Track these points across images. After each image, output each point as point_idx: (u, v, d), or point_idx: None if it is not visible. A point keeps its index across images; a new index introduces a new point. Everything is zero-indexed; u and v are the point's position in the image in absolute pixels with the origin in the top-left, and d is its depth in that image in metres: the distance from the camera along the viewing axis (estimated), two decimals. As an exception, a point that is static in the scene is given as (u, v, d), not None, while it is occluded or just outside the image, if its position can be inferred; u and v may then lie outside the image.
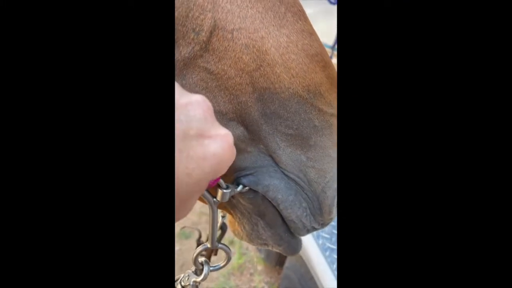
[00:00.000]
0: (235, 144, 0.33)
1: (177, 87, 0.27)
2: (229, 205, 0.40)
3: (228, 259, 0.43)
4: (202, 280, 0.42)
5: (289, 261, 1.70)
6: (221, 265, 0.44)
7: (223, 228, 0.46)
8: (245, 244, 2.64)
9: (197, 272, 0.43)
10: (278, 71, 0.33)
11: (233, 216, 0.43)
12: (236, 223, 0.42)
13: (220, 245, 0.42)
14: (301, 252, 1.40)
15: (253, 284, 2.30)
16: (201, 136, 0.26)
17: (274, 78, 0.33)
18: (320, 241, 1.25)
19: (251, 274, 2.38)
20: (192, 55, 0.32)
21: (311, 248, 1.27)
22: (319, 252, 1.23)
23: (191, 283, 0.42)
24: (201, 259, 0.42)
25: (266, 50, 0.32)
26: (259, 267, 2.43)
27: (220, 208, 0.42)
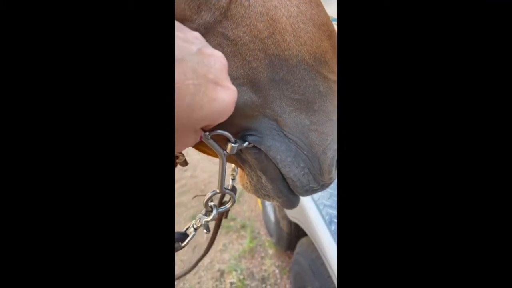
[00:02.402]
0: (244, 109, 0.37)
1: (203, 41, 0.32)
2: (240, 160, 0.45)
3: (233, 201, 0.49)
4: (211, 220, 0.48)
5: (300, 246, 1.71)
6: (228, 206, 0.50)
7: (233, 190, 0.50)
8: (256, 228, 2.67)
9: (207, 214, 0.48)
10: (288, 39, 0.35)
11: (243, 170, 0.48)
12: (245, 176, 0.47)
13: (227, 190, 0.47)
14: (312, 238, 1.40)
15: (264, 268, 2.34)
16: (216, 82, 0.30)
17: (284, 46, 0.36)
18: (333, 227, 1.25)
19: (262, 258, 2.42)
20: (213, 20, 0.34)
21: (323, 235, 1.27)
22: (331, 238, 1.23)
23: (203, 223, 0.48)
24: (211, 203, 0.48)
25: (278, 18, 0.35)
26: (270, 251, 2.46)
27: (233, 163, 0.48)
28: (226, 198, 0.51)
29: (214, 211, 0.48)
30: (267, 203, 2.48)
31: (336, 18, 0.32)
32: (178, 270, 2.30)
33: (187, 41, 0.29)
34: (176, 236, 0.48)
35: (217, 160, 0.41)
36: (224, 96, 0.31)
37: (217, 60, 0.31)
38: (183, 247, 0.48)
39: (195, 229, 0.49)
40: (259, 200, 2.80)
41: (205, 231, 0.48)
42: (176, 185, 3.17)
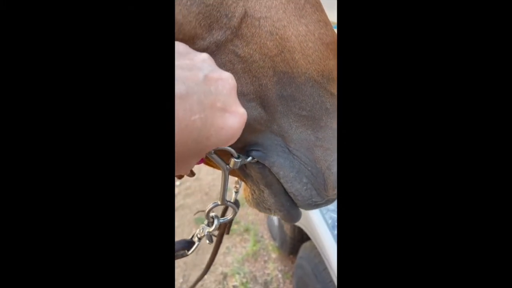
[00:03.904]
0: (252, 124, 0.38)
1: (212, 63, 0.32)
2: (243, 174, 0.46)
3: (235, 213, 0.50)
4: (214, 230, 0.49)
5: (303, 250, 1.71)
6: (229, 218, 0.51)
7: (236, 203, 0.51)
8: (260, 232, 2.67)
9: (209, 225, 0.50)
10: (296, 57, 0.36)
11: (245, 184, 0.49)
12: (248, 190, 0.48)
13: (228, 203, 0.48)
14: (315, 242, 1.40)
15: (267, 271, 2.34)
16: (224, 109, 0.31)
17: (293, 64, 0.37)
18: (336, 232, 1.25)
19: (265, 262, 2.42)
20: (224, 38, 0.36)
21: (326, 239, 1.27)
22: (333, 242, 1.23)
23: (206, 233, 0.49)
24: (212, 214, 0.49)
25: (287, 37, 0.36)
26: (273, 255, 2.46)
27: (236, 176, 0.49)
28: (230, 208, 0.51)
29: (216, 222, 0.49)
30: (271, 207, 2.47)
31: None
32: (181, 272, 2.30)
33: (194, 68, 0.30)
34: (182, 244, 0.49)
35: None
36: (232, 123, 0.31)
37: (225, 83, 0.31)
38: (189, 254, 0.49)
39: (199, 239, 0.50)
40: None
41: (207, 241, 0.49)
42: (181, 188, 3.19)
